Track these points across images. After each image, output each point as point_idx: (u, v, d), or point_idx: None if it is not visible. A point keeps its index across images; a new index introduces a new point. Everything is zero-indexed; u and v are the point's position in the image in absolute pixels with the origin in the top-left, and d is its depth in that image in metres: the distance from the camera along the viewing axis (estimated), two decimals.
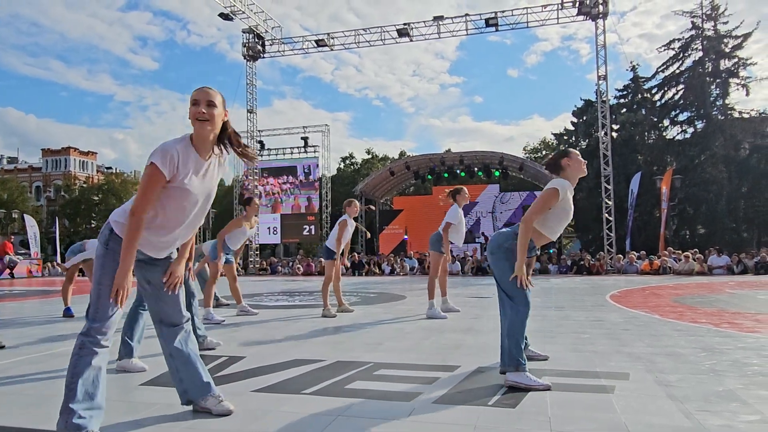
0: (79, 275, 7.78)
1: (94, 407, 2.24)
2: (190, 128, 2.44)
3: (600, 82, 20.45)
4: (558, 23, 21.04)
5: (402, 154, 46.07)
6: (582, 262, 19.01)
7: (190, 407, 2.66)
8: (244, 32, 23.46)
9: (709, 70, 28.46)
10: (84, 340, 2.26)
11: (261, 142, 28.16)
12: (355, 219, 7.15)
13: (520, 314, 3.15)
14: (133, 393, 3.08)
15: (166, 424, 2.51)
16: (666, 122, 30.57)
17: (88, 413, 2.20)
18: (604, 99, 20.58)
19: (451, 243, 6.68)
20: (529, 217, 3.14)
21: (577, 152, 3.41)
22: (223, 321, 6.17)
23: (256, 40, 23.57)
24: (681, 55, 29.44)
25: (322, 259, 7.19)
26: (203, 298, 6.38)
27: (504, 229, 3.38)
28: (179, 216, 2.43)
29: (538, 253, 3.40)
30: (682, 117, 30.01)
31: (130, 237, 2.29)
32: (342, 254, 7.07)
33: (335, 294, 7.11)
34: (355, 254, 22.68)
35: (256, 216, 7.00)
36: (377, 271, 21.41)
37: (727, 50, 28.23)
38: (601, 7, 19.64)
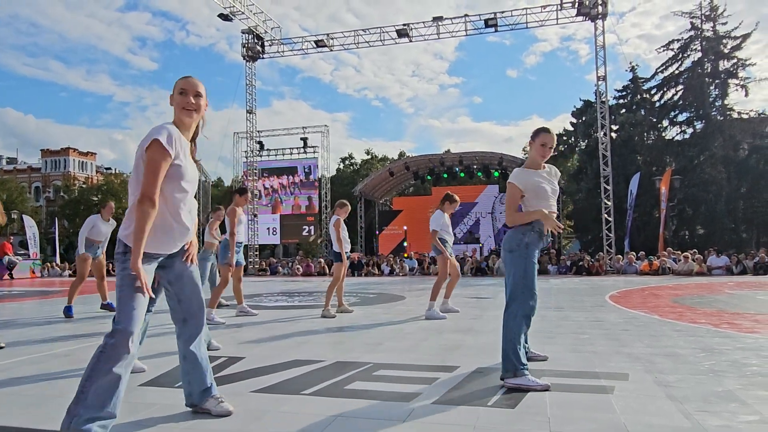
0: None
1: (104, 416, 2.16)
2: None
3: (599, 82, 20.45)
4: (557, 24, 21.05)
5: (401, 154, 46.10)
6: (581, 263, 19.01)
7: (191, 408, 2.66)
8: (243, 33, 23.44)
9: (708, 70, 28.48)
10: (107, 342, 2.20)
11: (260, 143, 28.16)
12: (349, 220, 7.20)
13: (517, 318, 3.15)
14: (132, 393, 3.08)
15: (166, 425, 2.52)
16: (665, 123, 30.59)
17: (94, 421, 2.14)
18: (604, 99, 20.57)
19: (445, 242, 6.81)
20: (509, 219, 3.31)
21: (549, 136, 3.41)
22: (224, 323, 6.17)
23: (256, 40, 23.55)
24: (680, 55, 29.46)
25: (323, 260, 7.31)
26: (210, 299, 6.43)
27: (511, 231, 3.38)
28: (182, 197, 2.41)
29: (551, 239, 3.44)
30: (681, 117, 30.05)
31: (144, 223, 2.23)
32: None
33: (337, 294, 7.14)
34: (355, 254, 22.70)
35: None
36: (376, 271, 21.41)
37: (726, 51, 28.26)
38: (600, 8, 19.63)
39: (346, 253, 7.02)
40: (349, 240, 7.13)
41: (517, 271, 3.21)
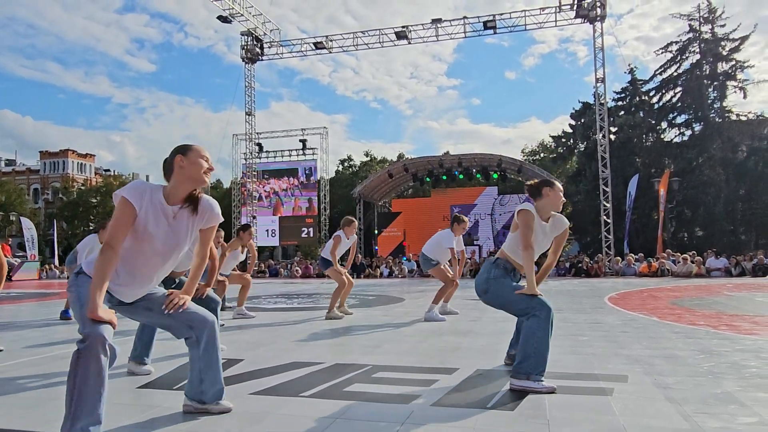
0: None
1: (94, 422, 2.13)
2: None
3: (598, 84, 20.49)
4: (556, 26, 21.09)
5: (400, 156, 46.09)
6: (580, 265, 19.02)
7: (193, 406, 2.65)
8: (242, 35, 23.47)
9: (707, 72, 28.53)
10: (81, 348, 2.12)
11: (259, 145, 28.17)
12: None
13: (541, 321, 3.13)
14: (131, 395, 3.07)
15: (166, 427, 2.51)
16: (664, 125, 30.61)
17: (87, 429, 2.11)
18: (602, 101, 20.60)
19: (434, 261, 6.93)
20: (526, 244, 3.21)
21: (560, 186, 3.44)
22: (223, 324, 6.17)
23: (255, 42, 23.58)
24: (678, 57, 29.50)
25: (320, 268, 7.36)
26: None
27: (480, 269, 3.50)
28: (138, 260, 2.39)
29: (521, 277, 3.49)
30: (679, 119, 30.06)
31: (104, 271, 2.20)
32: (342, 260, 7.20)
33: (341, 296, 7.14)
34: (359, 256, 22.75)
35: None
36: (376, 273, 21.40)
37: (724, 53, 28.30)
38: (598, 10, 19.68)
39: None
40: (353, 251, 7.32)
41: (507, 295, 3.23)
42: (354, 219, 7.15)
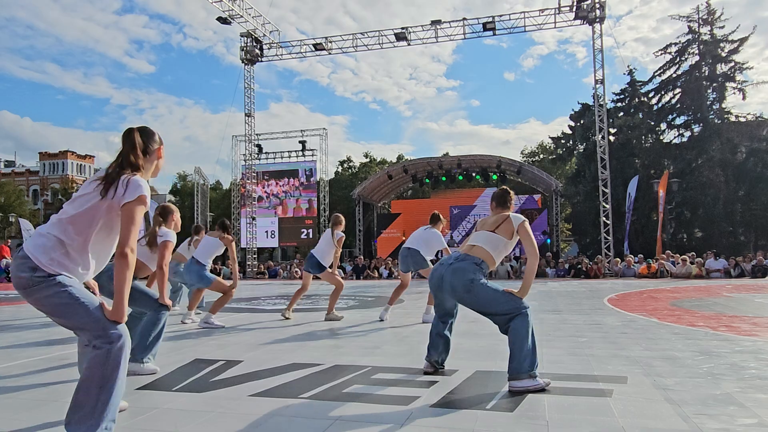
0: None
1: (112, 422, 2.12)
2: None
3: (597, 85, 20.48)
4: (555, 27, 21.10)
5: (400, 157, 46.11)
6: (580, 266, 19.01)
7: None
8: (242, 36, 23.47)
9: (706, 74, 28.57)
10: (110, 348, 2.10)
11: (259, 146, 28.16)
12: (347, 223, 7.22)
13: (526, 319, 3.14)
14: (131, 396, 3.07)
15: (165, 428, 2.51)
16: (663, 126, 30.65)
17: (107, 430, 2.10)
18: (602, 103, 20.61)
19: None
20: (536, 251, 3.39)
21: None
22: (224, 326, 6.16)
23: (254, 43, 23.58)
24: (677, 59, 29.54)
25: (306, 271, 7.10)
26: (213, 304, 6.38)
27: (455, 265, 3.34)
28: (107, 250, 2.32)
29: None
30: (679, 121, 30.09)
31: (130, 277, 2.16)
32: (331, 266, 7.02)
33: (330, 298, 7.11)
34: (360, 257, 22.72)
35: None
36: (375, 274, 21.38)
37: (723, 54, 28.34)
38: (597, 11, 19.69)
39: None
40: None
41: (490, 299, 3.22)
42: (342, 216, 7.12)
